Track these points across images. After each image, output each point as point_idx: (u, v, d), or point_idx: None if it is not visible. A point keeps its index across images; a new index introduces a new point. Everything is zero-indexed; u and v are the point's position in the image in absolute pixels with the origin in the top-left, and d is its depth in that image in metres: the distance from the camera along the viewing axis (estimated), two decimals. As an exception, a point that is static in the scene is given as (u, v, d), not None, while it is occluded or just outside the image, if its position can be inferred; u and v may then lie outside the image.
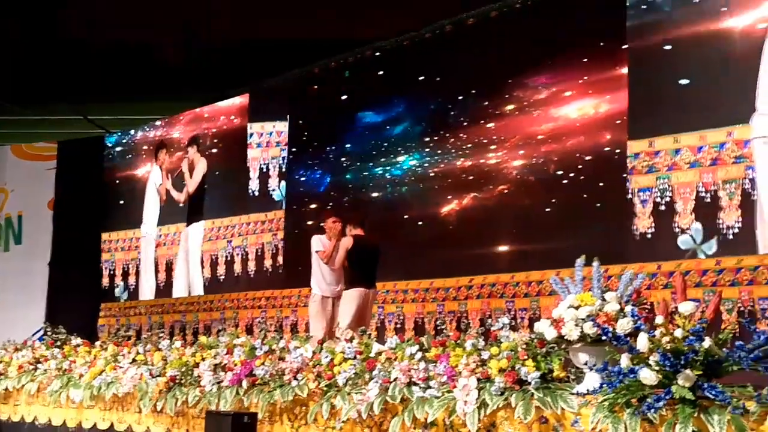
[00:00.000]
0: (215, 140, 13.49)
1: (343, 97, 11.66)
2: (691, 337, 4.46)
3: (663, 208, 8.23)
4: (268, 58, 12.29)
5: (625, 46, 8.75)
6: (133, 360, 8.53)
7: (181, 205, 13.79)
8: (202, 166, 13.58)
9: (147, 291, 14.22)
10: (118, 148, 15.27)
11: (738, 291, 7.37)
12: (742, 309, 7.32)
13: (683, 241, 8.08)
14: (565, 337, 5.06)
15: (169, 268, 13.87)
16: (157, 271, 14.09)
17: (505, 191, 9.82)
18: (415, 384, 5.81)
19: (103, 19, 12.56)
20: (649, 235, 8.28)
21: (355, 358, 6.47)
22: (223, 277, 12.93)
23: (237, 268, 12.71)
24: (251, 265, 12.52)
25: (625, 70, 8.76)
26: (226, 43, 12.76)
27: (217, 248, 13.05)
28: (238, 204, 12.85)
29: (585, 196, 8.98)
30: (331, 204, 11.42)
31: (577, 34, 9.19)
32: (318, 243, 9.54)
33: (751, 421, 4.22)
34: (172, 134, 14.31)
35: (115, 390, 8.28)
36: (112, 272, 14.91)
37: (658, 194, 8.28)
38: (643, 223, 8.34)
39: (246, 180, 12.71)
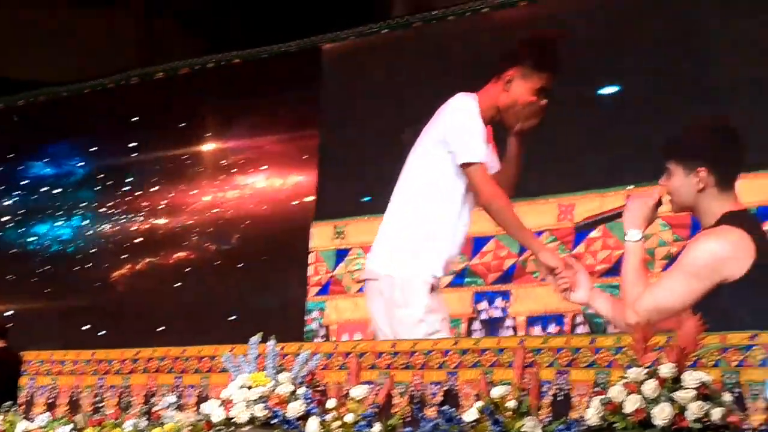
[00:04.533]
0: None
1: (8, 144, 10.77)
2: (362, 422, 4.54)
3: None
4: None
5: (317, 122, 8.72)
6: None
7: None
8: None
9: None
10: None
11: (411, 374, 7.42)
12: (414, 393, 7.37)
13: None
14: (234, 420, 4.86)
15: None
16: None
17: (183, 259, 9.52)
18: (63, 469, 5.25)
19: None
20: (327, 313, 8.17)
21: (-7, 438, 5.87)
22: None
23: None
24: None
25: (316, 145, 8.72)
26: None
27: None
28: None
29: (267, 269, 8.81)
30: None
31: (271, 101, 9.12)
32: None
33: None
34: None
35: None
36: None
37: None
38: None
39: None
